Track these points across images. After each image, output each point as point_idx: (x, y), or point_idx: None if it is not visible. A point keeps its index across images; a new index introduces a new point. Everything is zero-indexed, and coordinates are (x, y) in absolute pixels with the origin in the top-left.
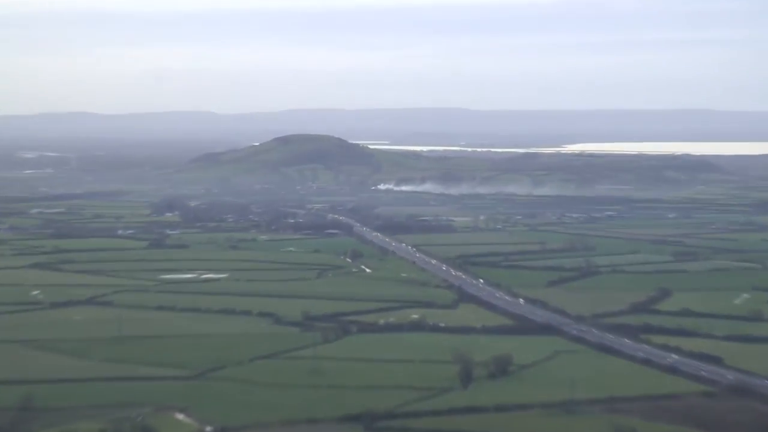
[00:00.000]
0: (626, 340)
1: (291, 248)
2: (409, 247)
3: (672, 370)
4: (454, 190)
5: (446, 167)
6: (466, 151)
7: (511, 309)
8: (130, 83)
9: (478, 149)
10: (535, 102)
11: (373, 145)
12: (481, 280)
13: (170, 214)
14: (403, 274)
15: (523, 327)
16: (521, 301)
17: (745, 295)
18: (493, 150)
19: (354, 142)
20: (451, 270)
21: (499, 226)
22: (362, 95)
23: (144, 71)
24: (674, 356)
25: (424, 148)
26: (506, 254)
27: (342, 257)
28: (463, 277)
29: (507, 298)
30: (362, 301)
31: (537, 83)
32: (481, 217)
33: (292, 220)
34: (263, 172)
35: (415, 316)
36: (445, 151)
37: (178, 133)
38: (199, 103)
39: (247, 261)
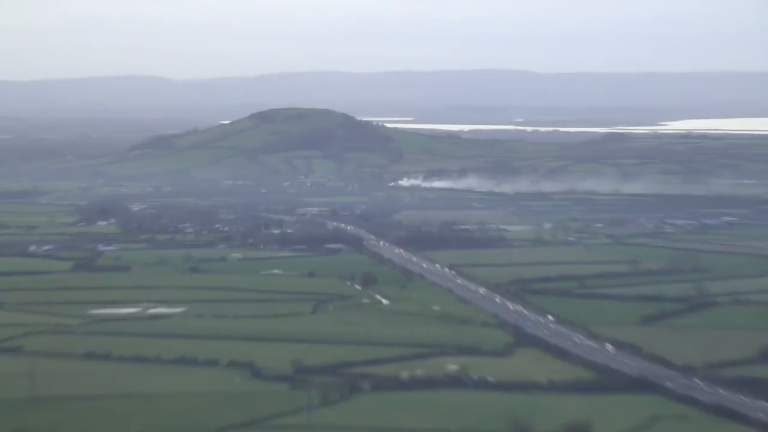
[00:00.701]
0: (754, 401)
1: (276, 270)
2: (444, 269)
3: None
4: (507, 187)
5: (496, 154)
6: (524, 131)
7: (590, 356)
8: (43, 39)
9: (542, 129)
10: (621, 63)
11: (392, 124)
12: (550, 317)
13: (104, 223)
14: (436, 308)
15: (608, 382)
16: (608, 346)
17: None
18: (563, 130)
19: (365, 119)
20: (505, 301)
21: (572, 238)
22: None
23: (65, 23)
24: None
25: (465, 128)
26: (582, 278)
27: (348, 283)
28: (522, 311)
29: (584, 340)
30: (377, 345)
31: (624, 37)
32: (547, 226)
33: (278, 231)
34: (236, 163)
35: (453, 367)
36: (494, 131)
37: (114, 108)
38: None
39: (214, 289)
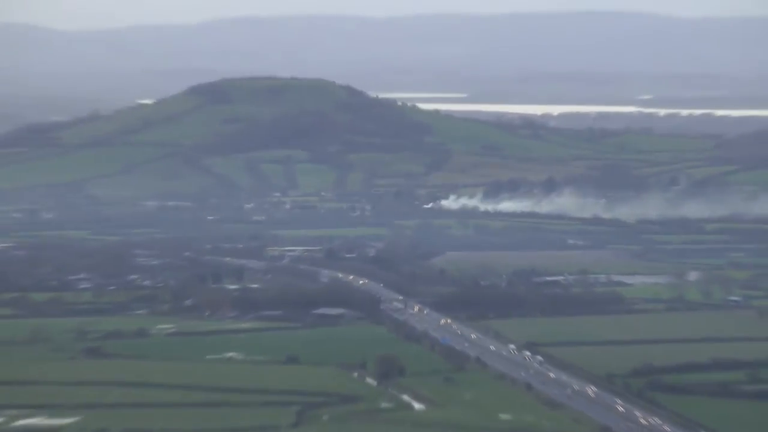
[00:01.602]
0: None
1: (232, 354)
2: (520, 351)
3: None
4: (625, 211)
5: (607, 155)
6: (655, 116)
7: None
8: None
9: (686, 112)
10: None
11: (431, 104)
12: None
13: None
14: (505, 416)
15: None
16: None
17: None
18: (720, 113)
19: (383, 95)
20: (625, 406)
21: (736, 298)
22: None
23: None
24: None
25: (554, 110)
26: (755, 366)
27: (356, 375)
28: (653, 422)
29: None
30: None
31: None
32: (693, 276)
33: (235, 287)
34: (164, 171)
35: None
36: (603, 115)
37: None
38: (13, 11)
39: (127, 386)
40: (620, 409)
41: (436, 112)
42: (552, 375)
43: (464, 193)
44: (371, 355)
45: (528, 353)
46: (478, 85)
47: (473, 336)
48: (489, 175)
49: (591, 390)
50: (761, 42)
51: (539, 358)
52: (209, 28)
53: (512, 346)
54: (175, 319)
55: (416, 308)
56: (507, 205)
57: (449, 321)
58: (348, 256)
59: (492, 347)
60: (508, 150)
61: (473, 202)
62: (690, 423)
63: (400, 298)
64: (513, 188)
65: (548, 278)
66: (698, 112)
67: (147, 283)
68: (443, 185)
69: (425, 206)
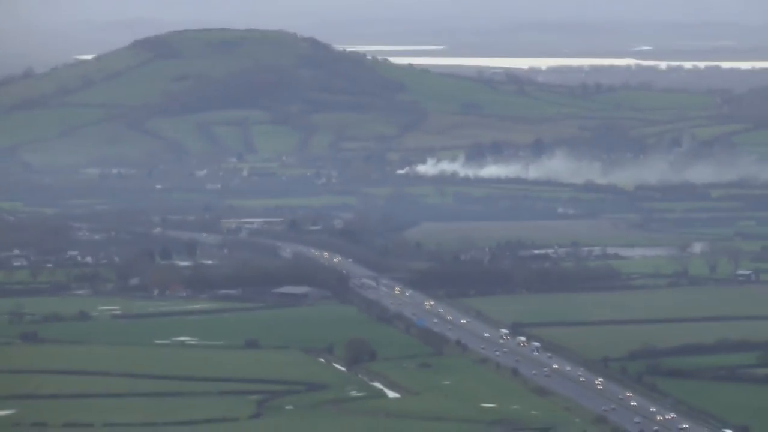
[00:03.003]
0: None
1: (185, 337)
2: (503, 331)
3: None
4: (622, 176)
5: (601, 113)
6: (655, 69)
7: None
8: None
9: (688, 64)
10: None
11: (405, 57)
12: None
13: None
14: (487, 405)
15: None
16: None
17: None
18: (727, 66)
19: (351, 48)
20: (622, 392)
21: (745, 272)
22: None
23: None
24: None
25: (542, 63)
26: (766, 347)
27: (323, 360)
28: (655, 412)
29: None
30: None
31: None
32: (697, 248)
33: (187, 263)
34: (107, 135)
35: None
36: (597, 69)
37: None
38: None
39: (67, 374)
40: (605, 391)
41: (410, 66)
42: (534, 355)
43: (442, 157)
44: (339, 338)
45: (512, 334)
46: (457, 36)
47: (449, 315)
48: (469, 136)
49: (579, 372)
50: None
51: (524, 339)
52: None
53: (494, 326)
54: (120, 299)
55: (387, 286)
56: (490, 171)
57: (424, 299)
58: (313, 228)
59: (472, 328)
60: (490, 108)
61: (452, 167)
62: (694, 410)
63: (371, 274)
64: (496, 151)
65: (536, 251)
66: (703, 64)
67: (88, 260)
68: (418, 149)
69: (398, 172)
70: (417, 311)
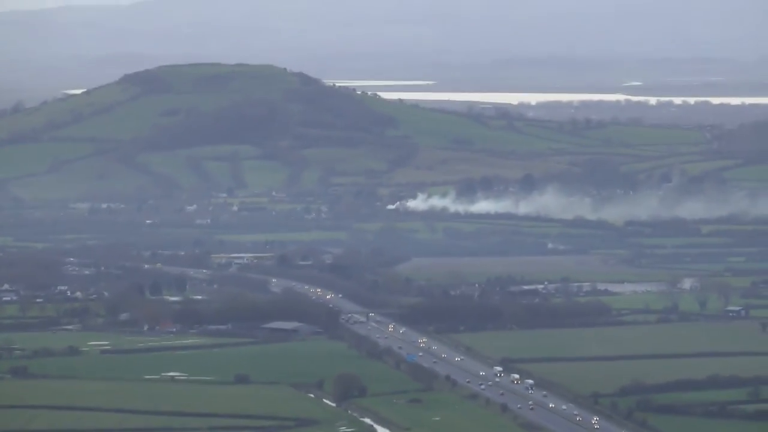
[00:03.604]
0: None
1: (174, 373)
2: (494, 368)
3: None
4: (612, 212)
5: (591, 149)
6: (645, 104)
7: None
8: None
9: (679, 100)
10: None
11: (395, 92)
12: None
13: None
14: None
15: None
16: None
17: None
18: (717, 102)
19: (342, 83)
20: (610, 426)
21: (736, 308)
22: None
23: None
24: None
25: (531, 98)
26: (757, 383)
27: (312, 396)
28: None
29: None
30: None
31: None
32: (687, 284)
33: (177, 298)
34: (97, 169)
35: None
36: (587, 104)
37: None
38: None
39: (56, 409)
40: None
41: (400, 101)
42: (524, 391)
43: (433, 192)
44: (329, 374)
45: (502, 370)
46: (446, 72)
47: (439, 351)
48: (460, 172)
49: (569, 409)
50: (762, 22)
51: (514, 375)
52: (144, 8)
53: (484, 362)
54: (110, 334)
55: (377, 321)
56: (480, 206)
57: (414, 335)
58: (303, 263)
59: (462, 364)
60: (480, 144)
61: (442, 202)
62: None
63: (360, 309)
64: (486, 187)
65: (526, 287)
66: (693, 100)
67: (78, 294)
68: (408, 184)
69: (388, 207)
70: (407, 347)
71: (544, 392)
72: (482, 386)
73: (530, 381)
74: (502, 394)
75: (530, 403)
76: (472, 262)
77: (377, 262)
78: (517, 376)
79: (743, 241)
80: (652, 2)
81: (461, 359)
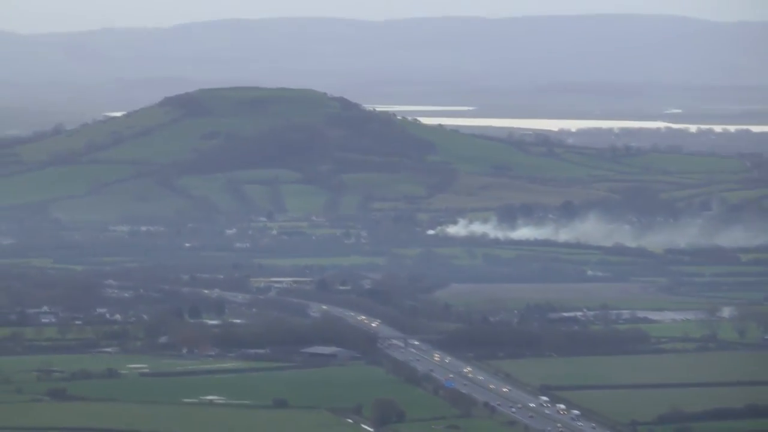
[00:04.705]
0: None
1: (213, 397)
2: (534, 395)
3: None
4: (651, 240)
5: (631, 176)
6: (685, 131)
7: None
8: None
9: (719, 127)
10: None
11: (434, 118)
12: None
13: None
14: None
15: None
16: None
17: None
18: (758, 130)
19: (380, 108)
20: None
21: None
22: None
23: None
24: None
25: (571, 125)
26: None
27: (351, 421)
28: None
29: None
30: None
31: None
32: (726, 312)
33: (216, 322)
34: (136, 192)
35: None
36: (627, 131)
37: None
38: None
39: None
40: None
41: (440, 127)
42: (563, 418)
43: (472, 218)
44: (367, 399)
45: (542, 397)
46: (486, 97)
47: (478, 377)
48: (499, 198)
49: None
50: None
51: (552, 402)
52: (185, 31)
53: (522, 388)
54: (149, 357)
55: (415, 346)
56: (520, 233)
57: (452, 361)
58: (342, 288)
59: (500, 390)
60: (520, 170)
61: (482, 228)
62: None
63: (399, 335)
64: (526, 213)
65: (565, 314)
66: (733, 128)
67: (117, 317)
68: (447, 209)
69: (428, 233)
70: (446, 373)
71: (593, 425)
72: (531, 417)
73: (576, 412)
74: (531, 416)
75: (558, 425)
76: (511, 289)
77: (416, 288)
78: (563, 406)
79: None
80: (692, 30)
81: (507, 389)
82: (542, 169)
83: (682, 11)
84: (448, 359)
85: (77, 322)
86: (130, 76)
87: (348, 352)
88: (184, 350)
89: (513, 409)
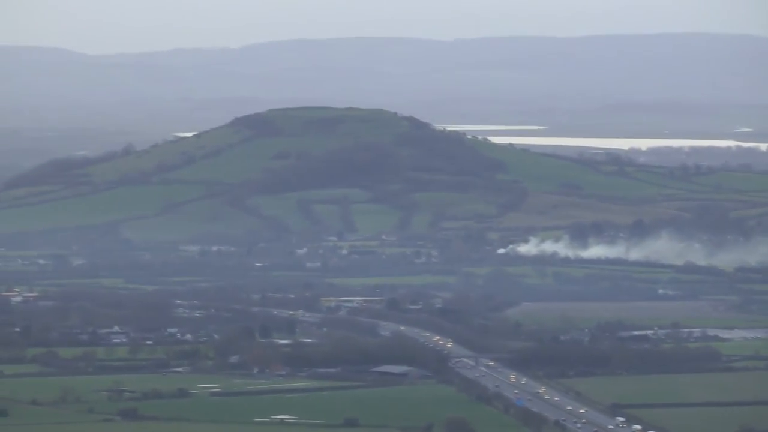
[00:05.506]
0: None
1: (284, 416)
2: (605, 414)
3: None
4: (723, 258)
5: (702, 195)
6: (756, 150)
7: None
8: None
9: None
10: None
11: (505, 137)
12: None
13: None
14: None
15: None
16: None
17: None
18: None
19: (450, 128)
20: None
21: None
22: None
23: None
24: None
25: (642, 144)
26: None
27: None
28: None
29: None
30: None
31: None
32: None
33: (286, 341)
34: (206, 212)
35: None
36: (698, 150)
37: None
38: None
39: None
40: None
41: (510, 146)
42: None
43: (543, 237)
44: (439, 418)
45: (614, 415)
46: (557, 117)
47: (549, 395)
48: (570, 217)
49: None
50: None
51: (624, 420)
52: (255, 52)
53: (593, 406)
54: (220, 377)
55: (486, 365)
56: (590, 251)
57: (524, 379)
58: (412, 307)
59: (572, 408)
60: (591, 189)
61: (552, 247)
62: None
63: (470, 354)
64: (597, 232)
65: (636, 332)
66: None
67: (188, 337)
68: (518, 228)
69: (498, 251)
70: (518, 391)
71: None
72: None
73: (621, 418)
74: None
75: None
76: (581, 307)
77: (486, 307)
78: (639, 427)
79: None
80: (761, 48)
81: (584, 410)
82: (613, 188)
83: (752, 30)
84: (524, 380)
85: (148, 342)
86: (200, 97)
87: (419, 371)
88: (255, 370)
89: (593, 430)
